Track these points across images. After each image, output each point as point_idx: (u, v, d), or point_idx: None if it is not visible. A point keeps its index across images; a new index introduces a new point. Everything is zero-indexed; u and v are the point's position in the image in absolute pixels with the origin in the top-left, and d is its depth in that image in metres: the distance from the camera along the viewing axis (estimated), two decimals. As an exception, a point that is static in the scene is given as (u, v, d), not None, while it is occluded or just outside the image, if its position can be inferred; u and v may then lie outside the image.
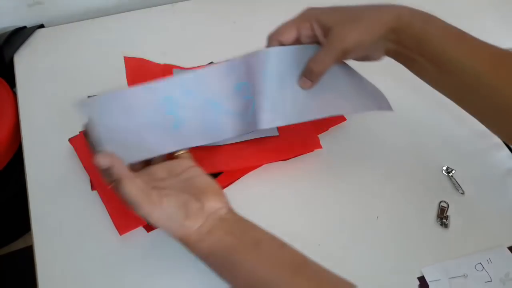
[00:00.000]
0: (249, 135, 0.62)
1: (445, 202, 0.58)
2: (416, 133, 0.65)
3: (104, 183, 0.53)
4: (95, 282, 0.53)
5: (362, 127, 0.66)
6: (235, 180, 0.61)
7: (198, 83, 0.55)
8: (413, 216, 0.58)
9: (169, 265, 0.54)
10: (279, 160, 0.62)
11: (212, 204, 0.49)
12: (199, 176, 0.52)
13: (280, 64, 0.54)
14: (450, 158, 0.62)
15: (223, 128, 0.57)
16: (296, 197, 0.59)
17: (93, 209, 0.58)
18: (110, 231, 0.56)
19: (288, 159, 0.62)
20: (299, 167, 0.62)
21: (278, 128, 0.63)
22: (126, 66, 0.68)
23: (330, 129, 0.66)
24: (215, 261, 0.48)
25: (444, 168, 0.61)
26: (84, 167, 0.60)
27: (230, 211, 0.51)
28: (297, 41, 0.55)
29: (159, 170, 0.52)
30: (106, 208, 0.57)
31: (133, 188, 0.46)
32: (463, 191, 0.59)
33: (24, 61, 0.75)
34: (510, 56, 0.51)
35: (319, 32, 0.53)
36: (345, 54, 0.52)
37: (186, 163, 0.53)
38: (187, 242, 0.48)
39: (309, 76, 0.54)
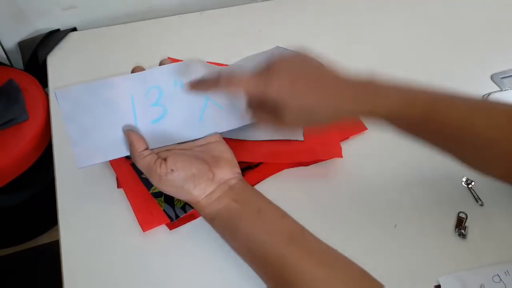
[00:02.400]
0: (276, 135, 0.64)
1: (463, 213, 0.59)
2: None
3: (130, 181, 0.56)
4: (118, 276, 0.54)
5: (382, 136, 0.66)
6: (256, 183, 0.62)
7: (189, 74, 0.56)
8: (431, 226, 0.58)
9: (190, 263, 0.55)
10: (300, 161, 0.63)
11: (223, 175, 0.54)
12: (216, 142, 0.57)
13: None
14: (469, 170, 0.62)
15: (212, 122, 0.58)
16: (314, 203, 0.60)
17: (118, 206, 0.59)
18: (134, 228, 0.57)
19: (309, 163, 0.63)
20: (317, 174, 0.63)
21: (304, 133, 0.64)
22: None
23: (350, 137, 0.66)
24: (219, 223, 0.53)
25: (464, 179, 0.62)
26: (111, 165, 0.62)
27: (240, 181, 0.55)
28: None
29: None
30: (131, 206, 0.59)
31: (143, 164, 0.52)
32: (482, 203, 0.59)
33: (56, 63, 0.77)
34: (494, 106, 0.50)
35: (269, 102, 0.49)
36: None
37: None
38: (196, 206, 0.53)
39: (195, 86, 0.54)
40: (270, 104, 0.49)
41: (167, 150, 0.55)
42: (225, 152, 0.56)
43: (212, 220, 0.53)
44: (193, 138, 0.57)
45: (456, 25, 0.59)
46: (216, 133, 0.58)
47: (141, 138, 0.54)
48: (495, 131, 0.48)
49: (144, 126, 0.56)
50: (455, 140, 0.50)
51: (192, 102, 0.57)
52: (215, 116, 0.58)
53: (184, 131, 0.57)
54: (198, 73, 0.56)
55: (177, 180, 0.51)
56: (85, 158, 0.55)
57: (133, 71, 0.55)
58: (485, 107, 0.50)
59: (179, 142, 0.57)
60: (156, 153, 0.54)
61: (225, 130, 0.59)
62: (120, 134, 0.55)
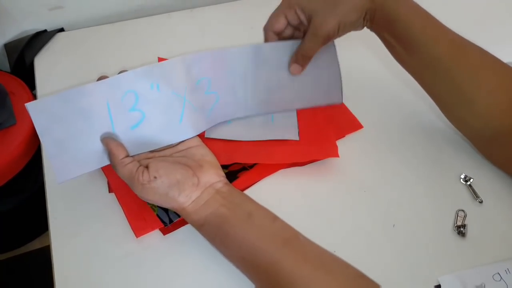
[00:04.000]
0: (271, 135, 0.63)
1: (462, 211, 0.58)
2: (434, 141, 0.65)
3: (121, 185, 0.54)
4: (110, 283, 0.53)
5: (379, 135, 0.66)
6: (251, 185, 0.61)
7: (165, 75, 0.55)
8: (430, 225, 0.57)
9: (184, 268, 0.54)
10: (296, 161, 0.62)
11: (208, 178, 0.53)
12: (197, 146, 0.56)
13: (243, 63, 0.60)
14: (468, 167, 0.62)
15: (191, 123, 0.58)
16: (312, 203, 0.59)
17: (110, 211, 0.58)
18: (127, 233, 0.56)
19: (305, 163, 0.62)
20: (314, 174, 0.62)
21: (299, 133, 0.63)
22: None
23: (346, 136, 0.66)
24: (209, 230, 0.51)
25: (462, 176, 0.61)
26: (102, 169, 0.61)
27: (226, 184, 0.54)
28: (287, 28, 0.60)
29: None
30: (123, 211, 0.57)
31: (124, 172, 0.51)
32: (481, 200, 0.59)
33: (44, 64, 0.76)
34: (468, 44, 0.57)
35: (303, 18, 0.57)
36: (328, 39, 0.57)
37: None
38: (182, 213, 0.52)
39: (300, 61, 0.60)
40: (301, 18, 0.57)
41: (147, 158, 0.54)
42: (207, 155, 0.55)
43: (201, 227, 0.52)
44: (175, 142, 0.56)
45: (452, 19, 0.59)
46: (196, 136, 0.58)
47: (121, 145, 0.52)
48: (441, 47, 0.56)
49: (122, 133, 0.54)
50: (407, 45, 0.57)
51: (170, 104, 0.56)
52: (193, 117, 0.57)
53: (165, 134, 0.56)
54: (175, 73, 0.55)
55: (161, 187, 0.50)
56: (64, 172, 0.53)
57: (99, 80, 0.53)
58: (437, 24, 0.57)
59: (161, 146, 0.56)
60: (137, 161, 0.52)
61: (204, 129, 0.59)
62: (98, 144, 0.53)
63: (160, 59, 0.71)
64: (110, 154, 0.52)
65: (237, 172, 0.61)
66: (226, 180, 0.54)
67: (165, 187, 0.50)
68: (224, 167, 0.61)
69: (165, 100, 0.55)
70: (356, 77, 0.72)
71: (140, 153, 0.55)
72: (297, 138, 0.63)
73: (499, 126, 0.56)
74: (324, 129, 0.64)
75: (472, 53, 0.57)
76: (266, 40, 0.61)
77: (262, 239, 0.49)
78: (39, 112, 0.50)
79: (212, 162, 0.55)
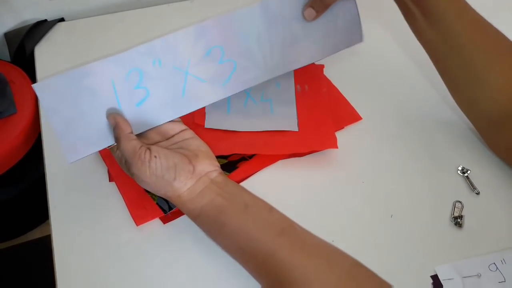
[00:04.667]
0: (270, 126, 0.63)
1: (459, 202, 0.58)
2: (432, 133, 0.65)
3: (122, 174, 0.55)
4: (111, 271, 0.53)
5: (378, 126, 0.66)
6: (250, 175, 0.61)
7: (167, 50, 0.55)
8: (427, 215, 0.58)
9: (184, 257, 0.54)
10: (294, 152, 0.62)
11: (203, 167, 0.53)
12: (192, 138, 0.56)
13: (253, 23, 0.58)
14: (465, 158, 0.62)
15: (196, 97, 0.58)
16: (309, 194, 0.60)
17: (110, 200, 0.58)
18: (127, 222, 0.56)
19: (304, 154, 0.63)
20: (313, 164, 0.62)
21: (299, 124, 0.64)
22: None
23: (345, 127, 0.66)
24: (205, 221, 0.51)
25: (460, 168, 0.61)
26: (103, 158, 0.61)
27: (221, 174, 0.54)
28: None
29: (153, 133, 0.56)
30: (124, 199, 0.58)
31: (128, 146, 0.50)
32: (479, 191, 0.59)
33: (44, 54, 0.76)
34: (489, 26, 0.57)
35: None
36: None
37: (178, 127, 0.57)
38: (177, 201, 0.52)
39: (315, 6, 0.58)
40: None
41: (147, 145, 0.54)
42: (202, 146, 0.55)
43: (197, 217, 0.52)
44: (179, 115, 0.57)
45: None
46: (190, 129, 0.57)
47: (127, 121, 0.53)
48: (461, 22, 0.56)
49: (128, 110, 0.54)
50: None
51: (172, 79, 0.56)
52: (197, 90, 0.57)
53: (169, 109, 0.56)
54: (178, 46, 0.55)
55: (159, 168, 0.50)
56: (74, 152, 0.53)
57: None
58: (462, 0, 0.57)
59: (165, 122, 0.56)
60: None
61: (210, 102, 0.58)
62: (106, 122, 0.53)
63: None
64: (116, 128, 0.52)
65: (236, 162, 0.62)
66: (220, 170, 0.54)
67: (163, 169, 0.50)
68: (223, 157, 0.61)
69: (166, 75, 0.55)
70: (356, 70, 0.73)
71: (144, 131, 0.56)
72: (296, 129, 0.64)
73: (508, 109, 0.56)
74: (323, 120, 0.65)
75: (492, 35, 0.57)
76: None
77: (259, 229, 0.49)
78: (46, 93, 0.51)
79: (207, 152, 0.55)
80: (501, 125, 0.58)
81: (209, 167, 0.53)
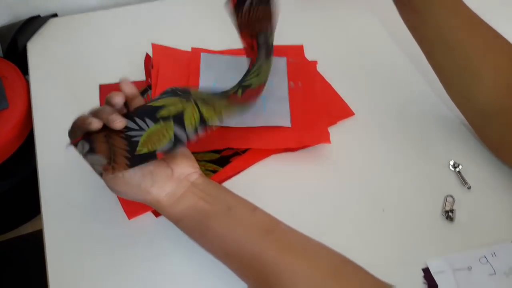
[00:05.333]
0: (263, 122, 0.64)
1: (451, 196, 0.59)
2: (423, 128, 0.66)
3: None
4: (104, 265, 0.53)
5: (369, 121, 0.66)
6: (243, 169, 0.61)
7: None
8: (419, 210, 0.58)
9: (177, 251, 0.54)
10: (287, 147, 0.62)
11: (183, 170, 0.51)
12: None
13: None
14: (457, 154, 0.62)
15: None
16: (302, 188, 0.60)
17: (102, 194, 0.58)
18: (119, 216, 0.56)
19: (296, 149, 0.63)
20: (305, 159, 0.62)
21: (291, 120, 0.64)
22: (153, 53, 0.70)
23: (338, 122, 0.66)
24: (188, 225, 0.50)
25: (451, 162, 0.62)
26: (95, 152, 0.61)
27: (201, 176, 0.52)
28: None
29: None
30: (116, 193, 0.58)
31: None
32: (470, 186, 0.60)
33: (37, 49, 0.75)
34: (483, 23, 0.58)
35: None
36: None
37: None
38: (157, 206, 0.50)
39: None
40: None
41: None
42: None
43: (179, 222, 0.51)
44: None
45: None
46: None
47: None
48: (457, 20, 0.57)
49: None
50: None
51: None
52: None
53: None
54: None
55: (133, 177, 0.48)
56: None
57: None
58: None
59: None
60: None
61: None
62: None
63: (153, 45, 0.71)
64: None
65: (229, 157, 0.62)
66: (200, 172, 0.53)
67: (137, 177, 0.48)
68: (216, 152, 0.61)
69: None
70: (347, 65, 0.73)
71: None
72: (289, 125, 0.64)
73: (502, 104, 0.57)
74: (316, 115, 0.65)
75: (486, 32, 0.58)
76: None
77: (243, 231, 0.48)
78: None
79: (185, 153, 0.53)
80: (493, 119, 0.58)
81: (189, 169, 0.52)
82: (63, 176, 0.60)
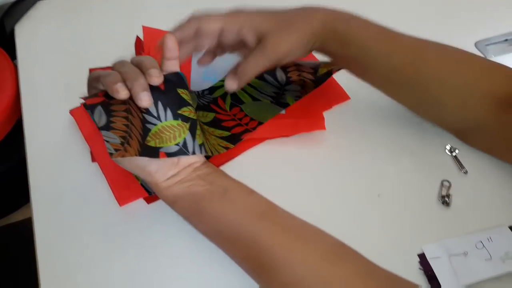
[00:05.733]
0: None
1: (447, 181, 0.58)
2: (420, 113, 0.65)
3: (104, 154, 0.53)
4: (95, 253, 0.52)
5: (365, 106, 0.65)
6: (236, 156, 0.60)
7: None
8: (415, 195, 0.57)
9: (169, 237, 0.53)
10: (282, 134, 0.61)
11: (188, 159, 0.51)
12: None
13: None
14: (453, 138, 0.61)
15: None
16: (297, 173, 0.59)
17: (93, 181, 0.57)
18: (110, 203, 0.55)
19: (291, 135, 0.62)
20: (301, 144, 0.61)
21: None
22: (144, 36, 0.69)
23: (333, 107, 0.65)
24: (183, 206, 0.50)
25: (448, 147, 0.61)
26: (85, 138, 0.60)
27: (205, 163, 0.52)
28: (218, 39, 0.54)
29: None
30: (106, 180, 0.57)
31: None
32: (466, 171, 0.59)
33: (25, 33, 0.74)
34: (424, 46, 0.56)
35: (250, 37, 0.53)
36: (276, 62, 0.54)
37: None
38: (154, 187, 0.50)
39: (239, 77, 0.54)
40: (249, 37, 0.53)
41: None
42: None
43: (174, 203, 0.50)
44: None
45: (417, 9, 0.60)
46: None
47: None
48: (397, 59, 0.55)
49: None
50: (364, 65, 0.56)
51: None
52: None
53: None
54: None
55: (141, 159, 0.48)
56: None
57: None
58: (390, 36, 0.56)
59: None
60: None
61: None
62: None
63: (144, 28, 0.69)
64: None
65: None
66: (204, 159, 0.53)
67: (145, 160, 0.48)
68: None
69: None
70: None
71: None
72: (283, 111, 0.63)
73: (474, 118, 0.56)
74: (310, 101, 0.64)
75: (431, 55, 0.56)
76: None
77: (239, 214, 0.48)
78: None
79: None
80: (473, 132, 0.58)
81: (194, 158, 0.51)
82: (52, 163, 0.59)
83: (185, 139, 0.49)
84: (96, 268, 0.51)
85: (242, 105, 0.62)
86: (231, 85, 0.55)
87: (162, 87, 0.47)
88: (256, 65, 0.54)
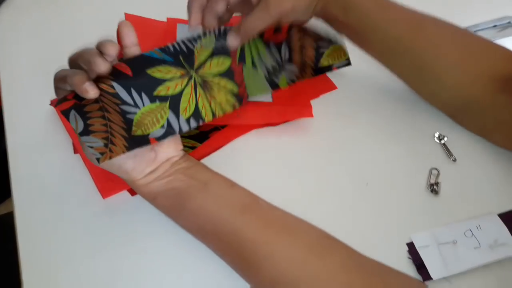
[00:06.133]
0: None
1: (436, 169, 0.57)
2: (408, 100, 0.64)
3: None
4: (78, 246, 0.51)
5: (353, 95, 0.65)
6: (223, 145, 0.59)
7: None
8: (403, 183, 0.57)
9: (153, 229, 0.52)
10: (269, 122, 0.61)
11: (166, 154, 0.50)
12: None
13: None
14: (442, 125, 0.61)
15: None
16: (285, 163, 0.58)
17: (76, 173, 0.56)
18: (94, 195, 0.54)
19: (277, 124, 0.61)
20: (287, 133, 0.60)
21: (273, 95, 0.62)
22: None
23: (320, 96, 0.64)
24: (163, 202, 0.49)
25: (436, 135, 0.60)
26: (67, 129, 0.58)
27: (183, 157, 0.51)
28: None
29: None
30: (89, 172, 0.55)
31: None
32: (455, 158, 0.58)
33: (4, 22, 0.72)
34: (425, 19, 0.57)
35: None
36: (278, 18, 0.54)
37: None
38: (132, 185, 0.49)
39: (241, 33, 0.53)
40: None
41: None
42: None
43: (154, 199, 0.49)
44: None
45: None
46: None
47: None
48: (396, 28, 0.56)
49: None
50: (363, 35, 0.58)
51: None
52: None
53: None
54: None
55: (116, 158, 0.46)
56: None
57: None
58: (391, 6, 0.57)
59: None
60: None
61: None
62: None
63: (127, 15, 0.68)
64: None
65: (208, 132, 0.59)
66: (183, 153, 0.52)
67: (120, 159, 0.47)
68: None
69: None
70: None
71: None
72: (270, 100, 0.62)
73: (469, 96, 0.56)
74: (298, 90, 0.63)
75: (430, 28, 0.56)
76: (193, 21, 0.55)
77: (220, 207, 0.47)
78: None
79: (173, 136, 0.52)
80: (466, 110, 0.58)
81: (172, 152, 0.50)
82: (34, 156, 0.58)
83: (167, 119, 0.48)
84: (80, 261, 0.50)
85: (244, 65, 0.58)
86: (233, 41, 0.53)
87: (129, 73, 0.46)
88: (259, 20, 0.53)
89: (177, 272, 0.50)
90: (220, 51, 0.54)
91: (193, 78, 0.51)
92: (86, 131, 0.45)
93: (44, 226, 0.53)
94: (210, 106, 0.52)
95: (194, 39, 0.51)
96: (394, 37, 0.56)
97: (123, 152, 0.45)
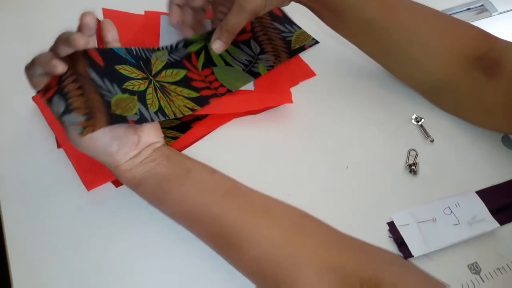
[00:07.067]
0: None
1: (414, 150, 0.59)
2: (385, 83, 0.65)
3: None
4: (64, 238, 0.52)
5: (331, 82, 0.66)
6: (204, 135, 0.60)
7: None
8: (382, 165, 0.58)
9: (138, 219, 0.53)
10: (250, 109, 0.61)
11: (148, 139, 0.51)
12: None
13: None
14: (419, 108, 0.62)
15: None
16: (266, 149, 0.59)
17: (59, 167, 0.56)
18: (78, 188, 0.55)
19: (259, 111, 0.62)
20: (267, 121, 0.61)
21: (255, 83, 0.63)
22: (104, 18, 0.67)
23: (300, 83, 0.65)
24: (145, 189, 0.50)
25: (414, 117, 0.61)
26: (49, 125, 0.59)
27: (165, 145, 0.52)
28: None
29: None
30: (73, 165, 0.56)
31: None
32: (432, 139, 0.60)
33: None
34: (399, 1, 0.58)
35: None
36: (255, 14, 0.55)
37: None
38: (115, 170, 0.50)
39: (223, 38, 0.57)
40: None
41: None
42: None
43: (136, 186, 0.50)
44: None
45: None
46: None
47: None
48: (371, 10, 0.57)
49: None
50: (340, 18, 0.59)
51: None
52: None
53: None
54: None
55: (102, 139, 0.47)
56: None
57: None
58: None
59: None
60: None
61: None
62: None
63: (104, 10, 0.68)
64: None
65: (190, 122, 0.60)
66: (164, 141, 0.52)
67: (106, 139, 0.47)
68: (176, 118, 0.59)
69: None
70: (309, 27, 0.71)
71: None
72: (252, 88, 0.62)
73: (442, 75, 0.57)
74: (277, 78, 0.64)
75: (404, 10, 0.57)
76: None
77: (202, 193, 0.48)
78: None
79: (153, 124, 0.52)
80: (440, 91, 0.59)
81: (154, 138, 0.51)
82: (17, 150, 0.58)
83: (139, 109, 0.50)
84: (66, 253, 0.51)
85: (214, 68, 0.61)
86: (219, 46, 0.58)
87: (101, 64, 0.48)
88: (236, 21, 0.56)
89: (163, 262, 0.51)
90: (174, 64, 0.58)
91: (152, 83, 0.54)
92: (67, 110, 0.46)
93: (30, 219, 0.53)
94: (171, 107, 0.55)
95: (151, 51, 0.56)
96: (368, 19, 0.57)
97: (105, 125, 0.46)
